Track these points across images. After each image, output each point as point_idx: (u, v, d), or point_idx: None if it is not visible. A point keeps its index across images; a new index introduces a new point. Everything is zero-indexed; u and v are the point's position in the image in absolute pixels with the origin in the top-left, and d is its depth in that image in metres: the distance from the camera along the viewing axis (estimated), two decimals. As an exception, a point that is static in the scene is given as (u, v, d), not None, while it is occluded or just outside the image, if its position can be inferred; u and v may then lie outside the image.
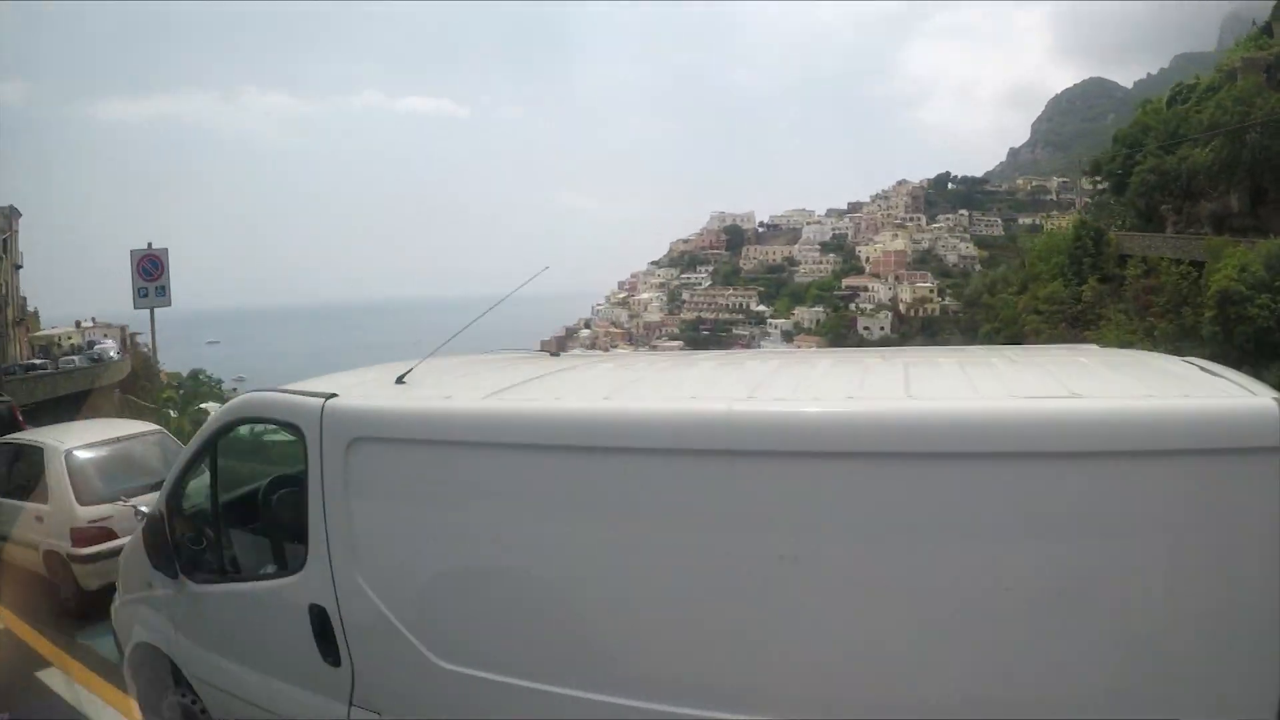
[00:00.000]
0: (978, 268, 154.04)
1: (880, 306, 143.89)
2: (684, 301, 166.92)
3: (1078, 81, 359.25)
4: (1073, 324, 37.03)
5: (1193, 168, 38.37)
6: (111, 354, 44.27)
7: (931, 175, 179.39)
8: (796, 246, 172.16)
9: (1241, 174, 36.32)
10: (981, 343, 38.90)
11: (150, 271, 18.86)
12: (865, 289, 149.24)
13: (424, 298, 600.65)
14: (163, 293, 19.02)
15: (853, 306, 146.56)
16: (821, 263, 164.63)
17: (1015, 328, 38.80)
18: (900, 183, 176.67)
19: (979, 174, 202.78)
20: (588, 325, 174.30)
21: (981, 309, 43.79)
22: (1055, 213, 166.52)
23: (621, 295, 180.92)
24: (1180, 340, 32.19)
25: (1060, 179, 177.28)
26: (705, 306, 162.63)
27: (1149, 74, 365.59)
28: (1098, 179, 56.21)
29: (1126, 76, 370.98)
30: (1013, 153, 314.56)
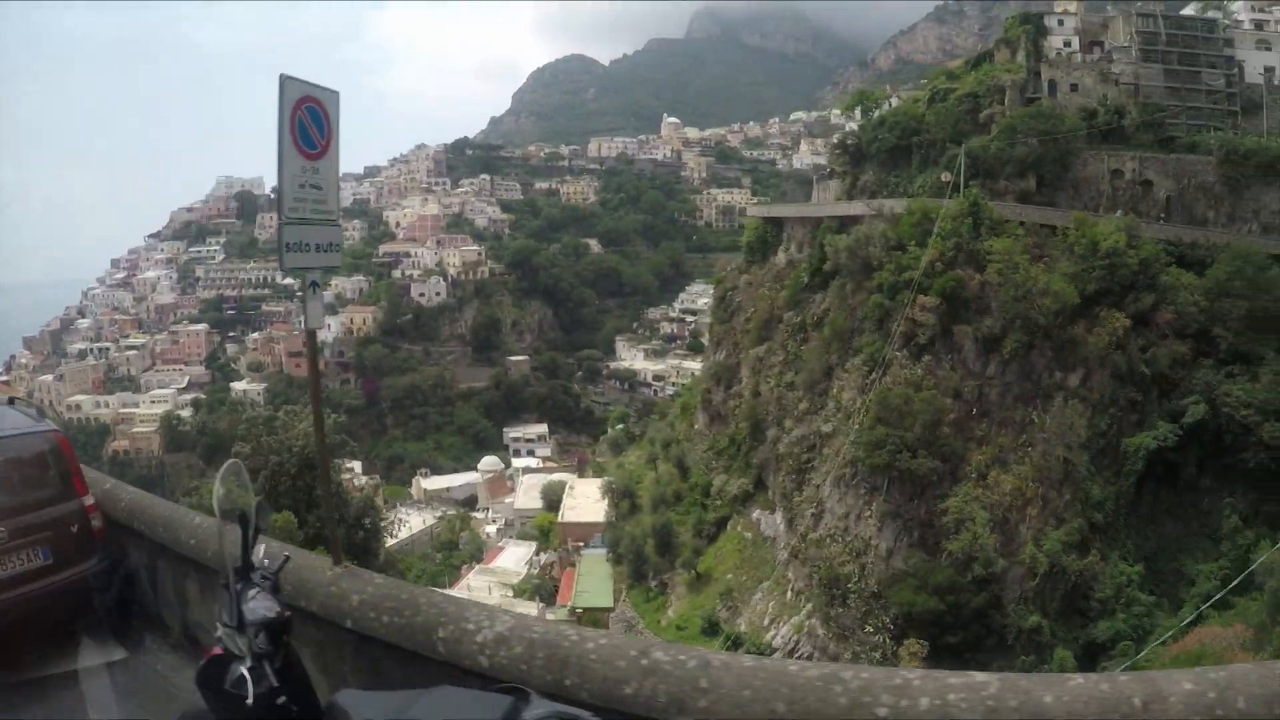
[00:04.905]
0: (507, 230, 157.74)
1: (429, 272, 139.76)
2: (199, 279, 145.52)
3: (559, 57, 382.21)
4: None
5: (993, 157, 47.78)
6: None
7: (412, 139, 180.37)
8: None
9: (1032, 165, 47.47)
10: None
11: None
12: (407, 255, 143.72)
13: None
14: None
15: (398, 273, 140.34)
16: (346, 229, 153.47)
17: (941, 278, 42.46)
18: (419, 147, 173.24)
19: (455, 136, 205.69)
20: (83, 314, 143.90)
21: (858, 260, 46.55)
22: (569, 177, 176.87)
23: (120, 276, 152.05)
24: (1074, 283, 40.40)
25: (571, 147, 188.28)
26: (225, 283, 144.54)
27: (625, 54, 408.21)
28: (841, 153, 62.22)
29: (605, 55, 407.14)
30: (494, 121, 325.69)
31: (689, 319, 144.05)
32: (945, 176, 46.67)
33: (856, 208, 51.11)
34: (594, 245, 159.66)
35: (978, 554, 35.61)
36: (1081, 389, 39.82)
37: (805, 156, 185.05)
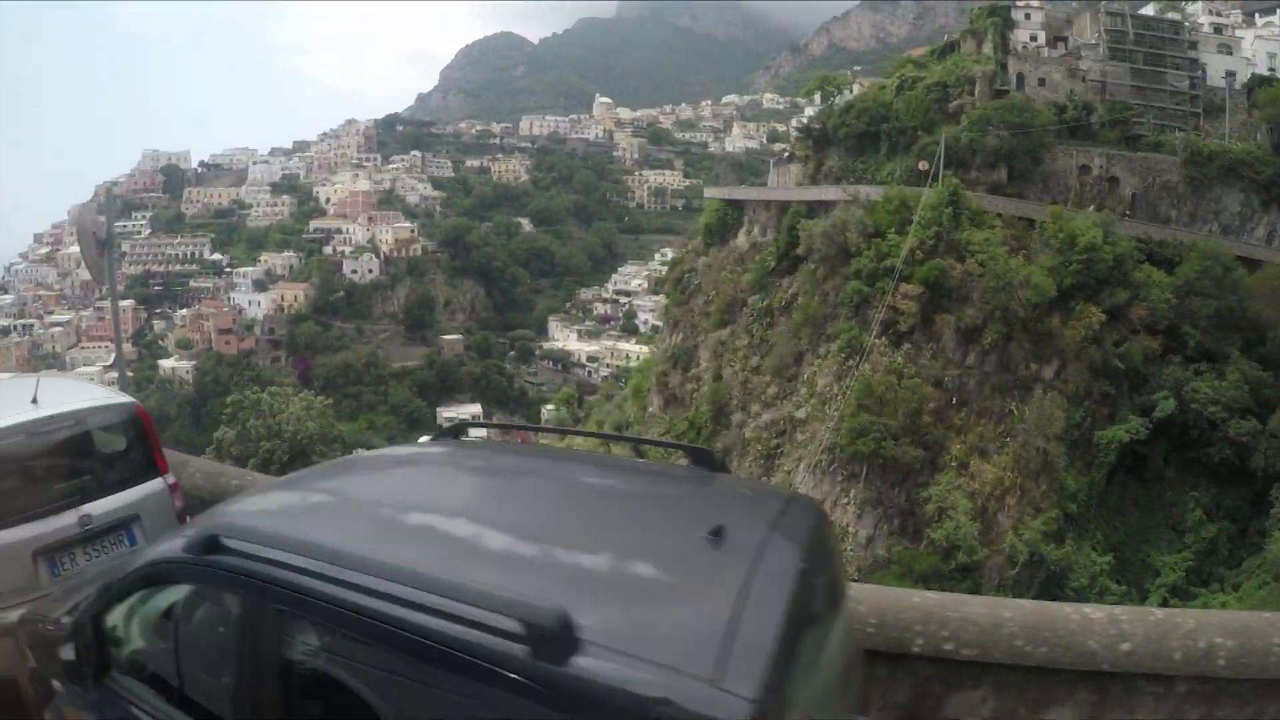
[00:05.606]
0: (439, 208, 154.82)
1: (361, 249, 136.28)
2: (125, 254, 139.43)
3: (488, 34, 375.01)
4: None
5: (964, 146, 48.17)
6: None
7: (336, 119, 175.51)
8: (244, 188, 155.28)
9: (1004, 156, 48.13)
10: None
11: None
12: (339, 231, 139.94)
13: None
14: None
15: (329, 250, 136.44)
16: (276, 204, 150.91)
17: (924, 266, 43.13)
18: (349, 122, 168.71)
19: (381, 115, 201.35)
20: (5, 290, 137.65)
21: (831, 245, 46.88)
22: (500, 156, 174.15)
23: (43, 251, 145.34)
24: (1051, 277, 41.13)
25: (502, 125, 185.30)
26: (151, 258, 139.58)
27: (554, 33, 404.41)
28: (804, 137, 62.03)
29: (534, 33, 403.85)
30: (422, 97, 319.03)
31: (622, 300, 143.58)
32: (923, 165, 46.97)
33: (830, 193, 51.08)
34: (526, 224, 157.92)
35: (961, 542, 36.17)
36: (1057, 381, 40.68)
37: (737, 140, 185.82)
